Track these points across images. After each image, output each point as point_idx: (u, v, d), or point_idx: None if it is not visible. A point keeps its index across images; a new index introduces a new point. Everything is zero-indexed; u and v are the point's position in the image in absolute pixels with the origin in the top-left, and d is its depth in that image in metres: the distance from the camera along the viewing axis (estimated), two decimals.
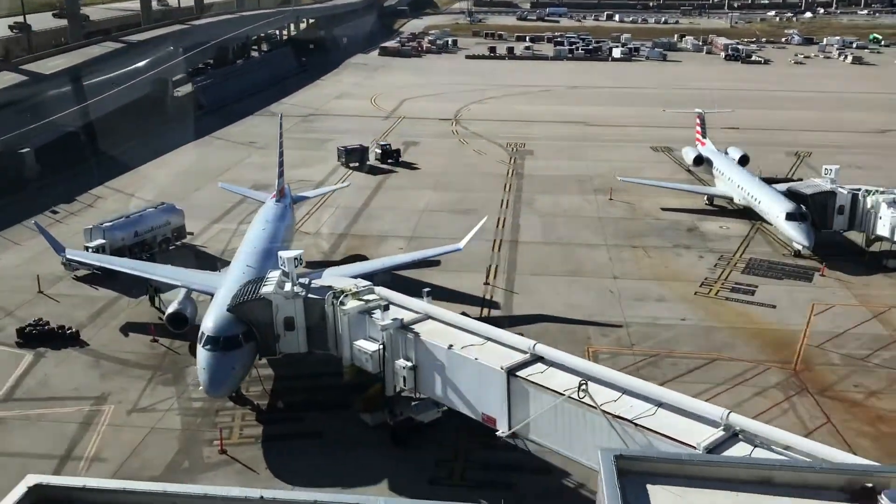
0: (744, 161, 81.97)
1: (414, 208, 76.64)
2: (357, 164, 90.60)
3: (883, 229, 61.23)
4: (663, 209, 76.73)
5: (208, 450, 38.28)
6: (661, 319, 52.86)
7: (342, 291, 39.92)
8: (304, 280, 41.75)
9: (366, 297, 39.26)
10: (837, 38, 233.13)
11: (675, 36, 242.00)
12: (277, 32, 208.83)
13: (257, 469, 36.82)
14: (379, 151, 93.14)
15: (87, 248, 57.15)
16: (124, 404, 41.95)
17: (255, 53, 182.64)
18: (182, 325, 47.73)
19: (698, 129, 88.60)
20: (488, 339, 34.94)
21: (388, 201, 78.59)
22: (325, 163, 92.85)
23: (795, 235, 63.99)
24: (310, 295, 40.32)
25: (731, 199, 75.59)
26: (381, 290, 40.07)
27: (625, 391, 30.00)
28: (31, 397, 42.52)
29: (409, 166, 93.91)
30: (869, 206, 62.77)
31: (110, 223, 60.29)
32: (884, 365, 47.35)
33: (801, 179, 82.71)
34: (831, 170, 66.72)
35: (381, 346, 36.91)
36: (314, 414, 41.13)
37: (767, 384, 44.65)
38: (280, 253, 42.33)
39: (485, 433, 35.56)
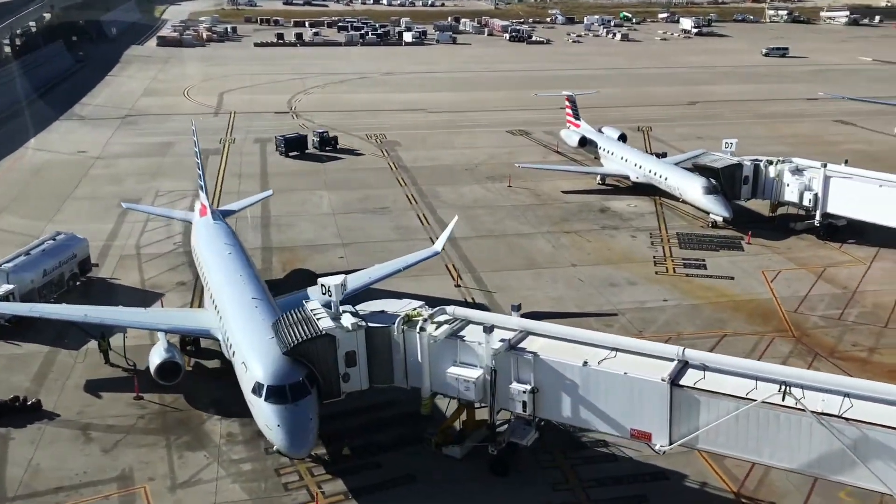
0: (622, 139, 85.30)
1: (319, 212, 71.46)
2: (297, 154, 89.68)
3: (791, 195, 66.28)
4: (563, 192, 77.94)
5: None
6: (647, 303, 53.44)
7: (410, 317, 35.92)
8: (350, 309, 37.14)
9: (441, 320, 35.61)
10: (596, 17, 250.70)
11: (449, 18, 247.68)
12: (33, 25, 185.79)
13: None
14: (317, 139, 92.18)
15: None
16: (159, 481, 34.83)
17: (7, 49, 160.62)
18: (175, 376, 40.77)
19: (569, 111, 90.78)
20: (615, 349, 33.03)
21: (288, 207, 72.38)
22: (180, 169, 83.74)
23: (714, 208, 67.60)
24: (372, 324, 35.85)
25: (626, 178, 78.37)
26: (457, 310, 36.53)
27: (813, 387, 29.47)
28: (34, 492, 34.05)
29: (353, 153, 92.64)
30: (772, 174, 67.60)
31: (10, 263, 49.88)
32: (859, 321, 51.29)
33: (666, 154, 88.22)
34: (731, 143, 71.11)
35: (489, 371, 33.70)
36: (389, 456, 36.71)
37: (784, 353, 46.57)
38: (322, 280, 37.28)
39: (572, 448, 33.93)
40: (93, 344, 45.96)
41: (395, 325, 35.61)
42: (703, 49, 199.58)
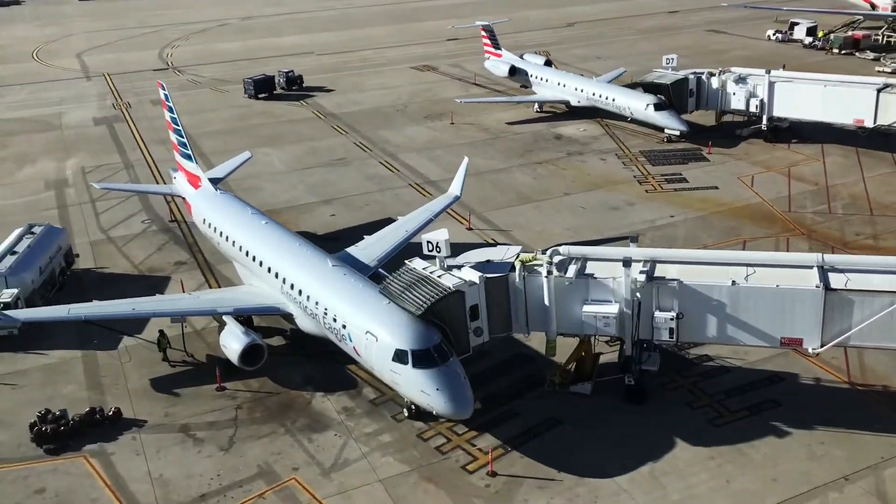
0: (548, 66, 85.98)
1: (275, 170, 67.57)
2: (266, 95, 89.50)
3: (738, 103, 69.71)
4: (508, 124, 77.89)
5: (480, 478, 31.85)
6: (656, 221, 55.04)
7: (526, 262, 35.17)
8: (459, 263, 35.87)
9: (555, 260, 35.09)
10: None
11: None
12: None
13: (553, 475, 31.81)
14: (283, 80, 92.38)
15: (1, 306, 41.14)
16: (306, 469, 32.40)
17: None
18: (259, 360, 37.87)
19: (486, 41, 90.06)
20: (751, 265, 33.99)
21: (243, 168, 67.56)
22: (88, 141, 75.99)
23: (670, 123, 70.05)
24: (491, 276, 34.81)
25: (565, 103, 79.31)
26: (572, 249, 36.11)
27: None
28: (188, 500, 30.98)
29: (322, 89, 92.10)
30: (716, 85, 70.78)
31: (4, 265, 43.82)
32: (848, 213, 55.47)
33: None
34: (672, 58, 73.52)
35: (628, 304, 33.72)
36: (518, 404, 36.07)
37: (805, 250, 49.65)
38: (426, 236, 35.62)
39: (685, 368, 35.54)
40: (129, 341, 41.92)
41: (517, 272, 34.90)
42: None
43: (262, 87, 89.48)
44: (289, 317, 40.32)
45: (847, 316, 32.18)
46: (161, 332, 40.12)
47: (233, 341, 37.87)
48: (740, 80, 69.64)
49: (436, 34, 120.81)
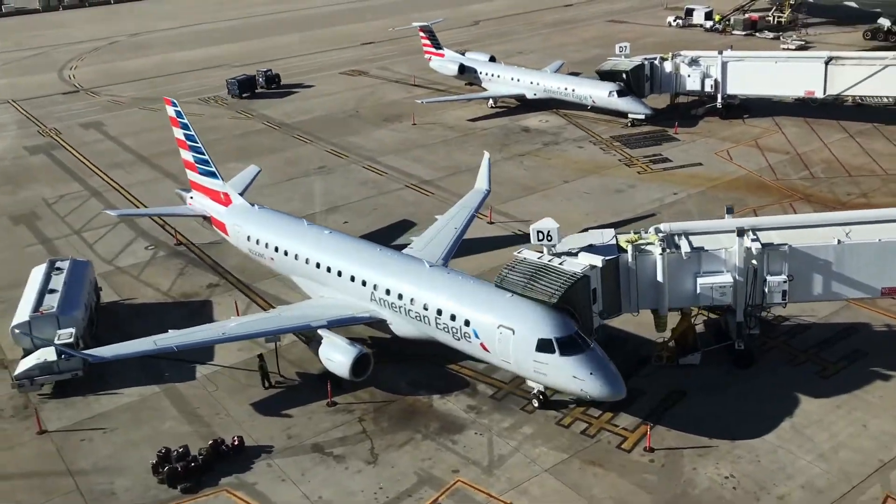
0: (492, 62, 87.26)
1: (263, 183, 64.24)
2: (249, 94, 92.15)
3: (694, 84, 73.40)
4: (470, 121, 78.61)
5: (640, 455, 32.37)
6: (665, 199, 57.38)
7: (633, 242, 36.21)
8: (570, 250, 36.46)
9: (656, 238, 36.34)
10: None
11: None
12: None
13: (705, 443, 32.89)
14: (263, 79, 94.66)
15: (62, 354, 37.82)
16: (466, 470, 31.98)
17: None
18: (367, 370, 36.99)
19: (426, 41, 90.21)
20: (845, 223, 36.38)
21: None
22: (44, 170, 70.69)
23: (634, 108, 72.92)
24: (607, 258, 35.61)
25: (520, 97, 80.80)
26: (672, 226, 37.38)
27: None
28: None
29: (302, 85, 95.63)
30: (669, 69, 74.31)
31: (48, 307, 40.19)
32: (829, 176, 59.89)
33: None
34: (625, 46, 76.80)
35: (741, 273, 35.31)
36: (639, 381, 36.70)
37: (811, 211, 53.28)
38: (535, 226, 36.01)
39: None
40: (203, 370, 39.86)
41: (629, 252, 35.86)
42: None
43: (245, 87, 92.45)
44: (375, 324, 39.58)
45: None
46: (260, 355, 38.39)
47: (339, 354, 36.76)
48: (693, 62, 73.44)
49: (348, 39, 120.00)
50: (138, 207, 59.94)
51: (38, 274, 44.11)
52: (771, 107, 74.27)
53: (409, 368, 38.92)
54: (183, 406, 37.43)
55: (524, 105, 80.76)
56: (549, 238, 36.01)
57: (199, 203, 50.10)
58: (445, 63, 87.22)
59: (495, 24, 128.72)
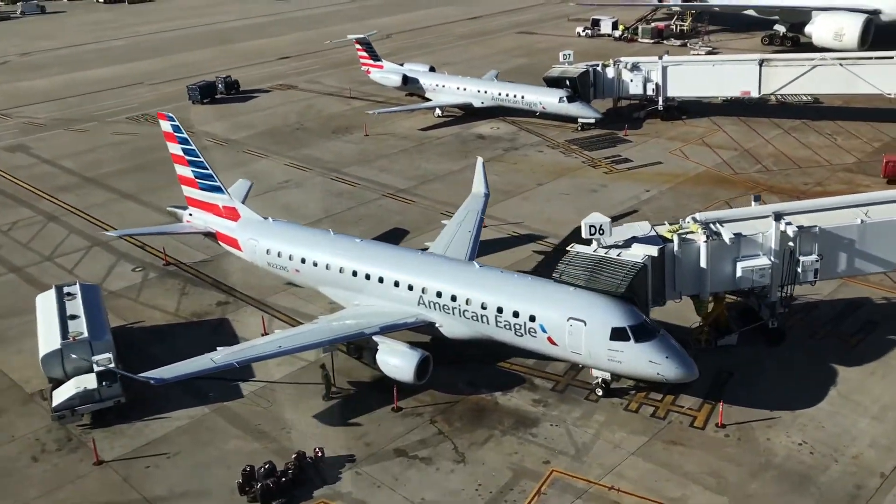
0: (432, 71, 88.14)
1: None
2: (209, 100, 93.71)
3: (636, 88, 77.03)
4: (421, 130, 79.24)
5: (714, 431, 34.15)
6: (640, 196, 59.96)
7: (675, 231, 38.07)
8: (617, 243, 37.91)
9: (698, 227, 38.36)
10: None
11: None
12: None
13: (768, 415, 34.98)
14: (222, 85, 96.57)
15: (104, 383, 35.85)
16: (556, 460, 32.70)
17: None
18: (427, 372, 37.08)
19: (363, 54, 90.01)
20: (862, 204, 39.47)
21: None
22: None
23: (584, 112, 75.68)
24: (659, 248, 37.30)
25: (467, 106, 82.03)
26: (707, 215, 39.43)
27: None
28: None
29: (262, 90, 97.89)
30: (611, 75, 77.63)
31: (76, 333, 37.84)
32: (781, 168, 64.27)
33: None
34: (569, 54, 79.49)
35: (778, 255, 37.71)
36: None
37: (777, 202, 56.90)
38: (587, 220, 37.12)
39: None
40: (251, 386, 38.83)
41: (675, 241, 37.65)
42: None
43: (206, 93, 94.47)
44: (423, 327, 39.69)
45: None
46: (323, 366, 37.69)
47: (401, 358, 36.73)
48: (635, 67, 77.05)
49: (261, 54, 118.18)
50: (107, 231, 57.08)
51: (47, 301, 41.59)
52: (704, 108, 78.94)
53: (460, 369, 39.23)
54: (242, 424, 36.29)
55: (470, 114, 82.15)
56: (602, 231, 37.33)
57: (200, 219, 48.46)
58: (387, 74, 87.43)
59: (408, 37, 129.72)
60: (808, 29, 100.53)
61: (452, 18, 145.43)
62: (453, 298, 38.41)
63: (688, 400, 36.49)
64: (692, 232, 38.24)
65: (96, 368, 36.50)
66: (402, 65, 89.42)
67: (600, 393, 36.92)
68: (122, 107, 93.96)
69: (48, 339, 38.48)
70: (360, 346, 38.95)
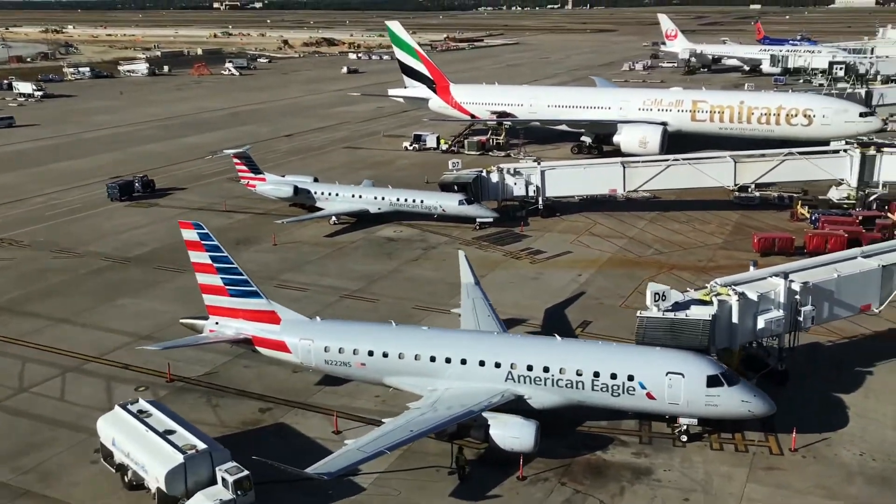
0: (316, 181, 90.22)
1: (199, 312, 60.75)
2: (127, 197, 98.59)
3: (519, 190, 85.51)
4: (327, 236, 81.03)
5: (791, 454, 40.46)
6: (579, 279, 66.97)
7: (709, 294, 45.04)
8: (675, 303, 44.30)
9: (725, 290, 45.68)
10: None
11: None
12: None
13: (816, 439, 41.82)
14: (139, 184, 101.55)
15: (238, 492, 34.47)
16: (693, 499, 36.76)
17: None
18: (539, 439, 39.89)
19: (242, 168, 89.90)
20: (835, 261, 49.06)
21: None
22: None
23: (482, 213, 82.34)
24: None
25: (363, 213, 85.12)
26: (725, 279, 46.74)
27: None
28: None
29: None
30: (495, 179, 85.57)
31: (189, 446, 35.66)
32: (670, 251, 74.62)
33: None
34: (457, 163, 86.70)
35: (786, 307, 45.73)
36: None
37: (689, 277, 66.46)
38: (651, 287, 43.58)
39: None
40: (362, 479, 38.90)
41: (714, 302, 44.50)
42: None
43: (125, 191, 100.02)
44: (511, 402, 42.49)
45: (888, 282, 49.55)
46: (460, 448, 38.93)
47: (519, 430, 39.55)
48: (516, 172, 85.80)
49: (91, 174, 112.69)
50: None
51: (118, 421, 39.09)
52: (569, 206, 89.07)
53: (546, 436, 41.79)
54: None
55: (362, 220, 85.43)
56: (664, 298, 43.38)
57: (228, 328, 47.40)
58: (278, 186, 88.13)
59: (271, 144, 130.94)
60: (616, 139, 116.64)
61: (265, 137, 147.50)
62: (545, 370, 41.95)
63: (751, 434, 42.86)
64: (719, 294, 45.58)
65: (230, 478, 35.16)
66: (283, 176, 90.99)
67: (685, 439, 42.14)
68: None
69: (158, 457, 36.13)
70: (467, 425, 40.92)
